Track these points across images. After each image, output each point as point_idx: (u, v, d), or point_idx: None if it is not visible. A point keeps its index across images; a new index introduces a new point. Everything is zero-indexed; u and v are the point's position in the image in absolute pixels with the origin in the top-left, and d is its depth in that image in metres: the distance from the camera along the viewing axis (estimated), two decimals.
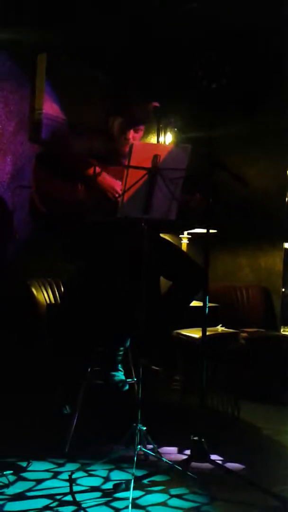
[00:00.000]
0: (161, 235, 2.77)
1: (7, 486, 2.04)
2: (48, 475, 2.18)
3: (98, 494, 2.04)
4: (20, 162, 3.56)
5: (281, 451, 2.64)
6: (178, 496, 2.05)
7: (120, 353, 2.47)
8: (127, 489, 2.01)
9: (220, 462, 2.31)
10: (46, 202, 2.38)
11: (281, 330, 4.16)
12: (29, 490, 2.04)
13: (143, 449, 2.24)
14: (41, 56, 3.61)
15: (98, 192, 2.38)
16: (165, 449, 2.51)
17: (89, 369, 2.43)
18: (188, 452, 2.23)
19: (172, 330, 2.68)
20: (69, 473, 2.20)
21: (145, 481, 2.13)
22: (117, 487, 2.06)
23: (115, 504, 1.96)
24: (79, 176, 2.38)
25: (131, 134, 2.52)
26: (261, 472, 2.31)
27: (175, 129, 2.55)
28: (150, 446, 2.30)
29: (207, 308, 2.25)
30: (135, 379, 2.45)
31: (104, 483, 2.14)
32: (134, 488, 1.99)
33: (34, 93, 3.64)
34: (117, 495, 2.02)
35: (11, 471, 2.16)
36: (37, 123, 3.61)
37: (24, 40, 3.38)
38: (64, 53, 3.61)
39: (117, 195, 2.35)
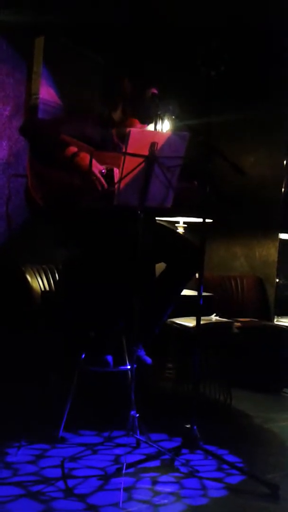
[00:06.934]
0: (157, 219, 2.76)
1: None
2: (40, 459, 2.19)
3: (91, 479, 2.05)
4: (16, 147, 3.52)
5: (272, 438, 2.66)
6: (168, 483, 2.07)
7: (112, 338, 2.47)
8: (118, 475, 2.02)
9: (211, 449, 2.32)
10: (41, 191, 2.36)
11: (275, 320, 4.18)
12: (19, 474, 2.05)
13: (136, 435, 2.25)
14: (38, 40, 3.57)
15: (79, 175, 2.34)
16: (157, 436, 2.52)
17: (82, 356, 2.44)
18: (180, 439, 2.24)
19: (166, 315, 2.67)
20: (61, 458, 2.21)
21: (136, 467, 2.15)
22: (108, 473, 2.08)
23: (106, 488, 1.98)
24: (56, 158, 2.34)
25: (133, 121, 2.49)
26: (252, 459, 2.34)
27: (173, 117, 2.53)
28: (143, 433, 2.31)
29: (201, 297, 2.25)
30: (129, 366, 2.46)
31: (96, 468, 2.15)
32: (125, 475, 2.00)
33: (30, 77, 3.60)
34: (108, 480, 2.04)
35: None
36: (33, 108, 3.57)
37: (21, 22, 3.33)
38: (62, 35, 3.56)
39: (94, 178, 2.31)
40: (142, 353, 2.52)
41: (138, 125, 2.52)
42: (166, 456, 2.22)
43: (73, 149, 2.33)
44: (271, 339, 3.62)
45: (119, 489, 1.93)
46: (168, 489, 2.02)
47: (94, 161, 2.29)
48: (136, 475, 2.10)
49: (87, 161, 2.26)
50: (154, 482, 2.06)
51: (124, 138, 2.10)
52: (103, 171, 2.33)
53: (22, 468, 2.10)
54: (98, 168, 2.32)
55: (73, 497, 1.90)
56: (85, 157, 2.30)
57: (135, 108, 2.49)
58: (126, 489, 1.97)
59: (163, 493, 1.98)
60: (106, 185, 2.34)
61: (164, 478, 2.11)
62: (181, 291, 2.64)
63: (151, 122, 2.51)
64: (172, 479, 2.10)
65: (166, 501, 1.92)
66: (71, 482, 2.01)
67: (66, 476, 2.06)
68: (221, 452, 2.37)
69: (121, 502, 1.85)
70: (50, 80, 3.60)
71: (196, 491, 2.02)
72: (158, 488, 2.02)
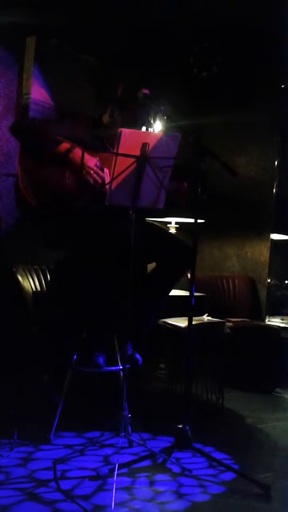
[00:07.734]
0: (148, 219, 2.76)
1: None
2: (32, 460, 2.18)
3: (82, 480, 2.05)
4: (7, 147, 3.51)
5: (264, 438, 2.67)
6: (161, 483, 2.07)
7: (104, 339, 2.47)
8: (111, 475, 2.02)
9: (203, 449, 2.33)
10: (32, 190, 2.35)
11: (266, 320, 4.19)
12: (11, 475, 2.04)
13: (128, 436, 2.25)
14: (30, 39, 3.55)
15: (74, 172, 2.33)
16: (149, 436, 2.52)
17: (74, 357, 2.43)
18: (172, 439, 2.24)
19: (156, 314, 2.67)
20: (51, 460, 2.20)
21: (130, 467, 2.14)
22: (101, 474, 2.07)
23: (105, 488, 1.97)
24: (51, 155, 2.34)
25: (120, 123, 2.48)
26: (244, 459, 2.34)
27: (165, 117, 2.53)
28: (134, 434, 2.31)
29: (193, 298, 2.25)
30: (121, 367, 2.45)
31: (88, 469, 2.15)
32: (121, 475, 2.00)
33: (22, 77, 3.59)
34: (101, 481, 2.03)
35: None
36: (24, 108, 3.56)
37: (13, 22, 3.32)
38: (55, 37, 3.55)
39: (91, 172, 2.31)
40: (131, 352, 2.52)
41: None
42: (159, 456, 2.22)
43: (66, 145, 2.33)
44: (263, 339, 3.63)
45: (118, 489, 1.93)
46: (167, 487, 2.02)
47: (87, 155, 2.29)
48: (132, 475, 2.10)
49: (79, 156, 2.27)
50: (152, 482, 2.06)
51: (113, 140, 2.10)
52: (98, 163, 2.33)
53: (13, 471, 2.09)
54: (92, 161, 2.32)
55: (74, 499, 1.89)
56: (78, 153, 2.30)
57: (126, 110, 2.48)
58: (127, 489, 1.98)
59: (163, 491, 1.99)
60: (103, 175, 2.33)
61: (160, 477, 2.11)
62: (171, 290, 2.65)
63: (140, 128, 2.51)
64: (169, 478, 2.10)
65: (169, 499, 1.93)
66: (67, 484, 2.00)
67: (60, 478, 2.05)
68: (212, 451, 2.37)
69: (113, 503, 1.85)
70: (41, 81, 3.59)
71: (194, 488, 2.02)
72: (157, 487, 2.02)
